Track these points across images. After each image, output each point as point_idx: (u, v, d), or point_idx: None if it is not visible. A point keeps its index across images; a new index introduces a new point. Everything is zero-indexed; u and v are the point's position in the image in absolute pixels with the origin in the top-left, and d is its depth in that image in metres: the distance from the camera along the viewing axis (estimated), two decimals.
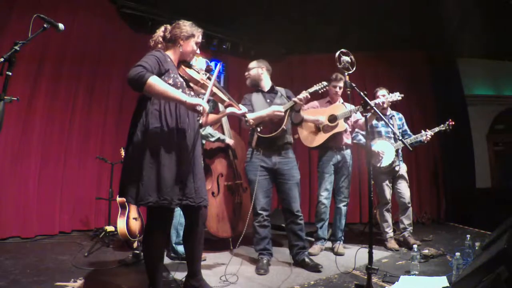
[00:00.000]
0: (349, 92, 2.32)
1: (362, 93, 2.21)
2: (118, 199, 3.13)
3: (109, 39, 4.17)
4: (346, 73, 2.29)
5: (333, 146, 3.20)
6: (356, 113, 3.18)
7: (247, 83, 2.96)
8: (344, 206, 3.26)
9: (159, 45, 1.95)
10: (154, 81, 1.64)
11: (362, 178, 5.02)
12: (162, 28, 1.97)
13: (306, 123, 3.18)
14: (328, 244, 3.40)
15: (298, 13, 4.64)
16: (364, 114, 2.27)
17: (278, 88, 2.90)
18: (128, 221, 3.06)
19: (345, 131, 3.23)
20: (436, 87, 5.38)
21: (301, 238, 2.73)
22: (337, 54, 2.31)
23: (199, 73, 1.98)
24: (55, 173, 3.69)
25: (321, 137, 3.16)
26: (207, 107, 1.70)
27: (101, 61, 4.12)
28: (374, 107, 2.26)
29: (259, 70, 2.89)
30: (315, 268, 2.56)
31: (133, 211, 3.15)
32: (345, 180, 3.25)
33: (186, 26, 1.92)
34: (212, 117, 2.21)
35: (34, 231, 3.44)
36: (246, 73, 2.95)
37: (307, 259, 2.64)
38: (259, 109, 2.71)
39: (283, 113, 2.62)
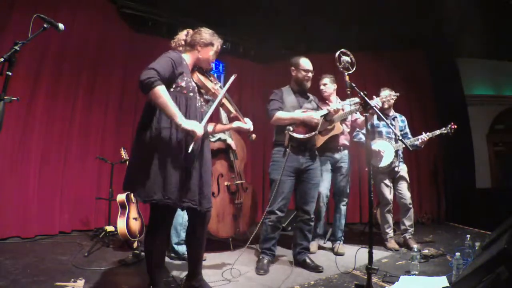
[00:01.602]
0: (349, 92, 2.32)
1: (362, 93, 2.21)
2: (118, 199, 3.13)
3: (109, 39, 4.17)
4: (346, 73, 2.29)
5: (331, 148, 3.23)
6: (352, 114, 3.17)
7: (308, 85, 2.83)
8: (343, 205, 3.29)
9: (180, 48, 1.98)
10: (159, 91, 1.65)
11: (362, 178, 5.04)
12: (185, 32, 2.01)
13: None
14: (328, 244, 3.41)
15: (298, 13, 4.64)
16: (364, 114, 2.27)
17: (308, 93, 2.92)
18: (128, 221, 3.06)
19: (342, 132, 3.26)
20: (436, 87, 5.38)
21: (307, 239, 2.75)
22: (337, 54, 2.31)
23: (211, 81, 2.00)
24: (55, 173, 3.68)
25: (319, 140, 3.16)
26: (201, 133, 1.71)
27: (101, 61, 4.12)
28: (374, 107, 2.26)
29: None
30: (316, 269, 2.56)
31: (133, 211, 3.15)
32: (343, 180, 3.28)
33: (207, 34, 1.96)
34: (218, 127, 2.27)
35: (34, 231, 3.44)
36: (311, 74, 2.81)
37: (308, 260, 2.65)
38: (290, 108, 2.72)
39: (319, 121, 2.64)
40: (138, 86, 1.70)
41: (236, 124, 2.13)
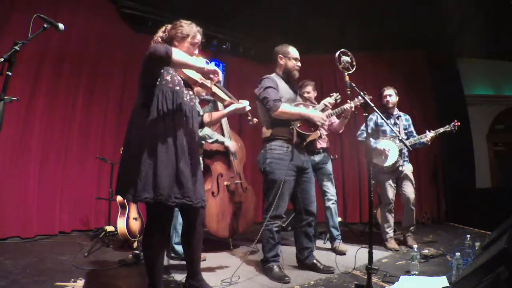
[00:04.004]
0: (349, 92, 2.32)
1: (362, 93, 2.21)
2: (118, 199, 3.13)
3: (109, 39, 4.17)
4: (346, 73, 2.29)
5: (310, 151, 3.23)
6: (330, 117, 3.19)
7: (297, 75, 2.65)
8: (332, 204, 3.31)
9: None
10: (178, 52, 1.70)
11: (362, 178, 5.04)
12: (163, 28, 1.95)
13: None
14: (328, 244, 3.42)
15: (298, 13, 4.64)
16: (364, 113, 2.27)
17: None
18: (128, 221, 3.06)
19: (320, 137, 3.29)
20: (436, 87, 5.38)
21: (312, 240, 2.69)
22: (337, 54, 2.31)
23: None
24: (55, 173, 3.69)
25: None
26: (221, 75, 1.83)
27: (101, 61, 4.12)
28: (374, 107, 2.26)
29: None
30: (327, 271, 2.50)
31: (133, 211, 3.15)
32: (327, 180, 3.33)
33: (183, 27, 1.89)
34: (216, 115, 2.19)
35: (34, 231, 3.44)
36: (300, 64, 2.64)
37: (318, 263, 2.57)
38: (287, 99, 2.52)
39: (325, 121, 2.55)
40: (153, 60, 1.69)
41: (231, 107, 2.05)
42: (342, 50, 2.33)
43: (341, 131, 3.42)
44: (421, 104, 5.35)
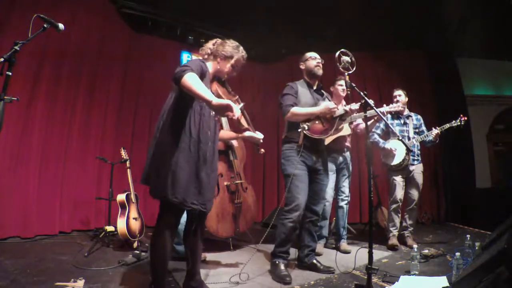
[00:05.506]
0: (349, 92, 2.33)
1: (362, 93, 2.21)
2: (118, 199, 3.13)
3: (109, 39, 4.17)
4: (346, 73, 2.29)
5: (336, 149, 3.24)
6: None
7: (320, 72, 2.70)
8: (346, 204, 3.34)
9: (205, 56, 2.01)
10: (188, 77, 1.63)
11: (362, 178, 5.04)
12: (213, 41, 2.04)
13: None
14: (330, 243, 3.42)
15: (298, 13, 4.64)
16: (365, 114, 2.28)
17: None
18: (128, 221, 3.06)
19: (348, 134, 3.30)
20: (436, 87, 5.38)
21: (315, 240, 2.71)
22: (337, 54, 2.31)
23: (229, 93, 2.01)
24: (55, 173, 3.68)
25: (327, 139, 3.16)
26: (238, 112, 1.57)
27: (101, 61, 4.12)
28: (374, 107, 2.27)
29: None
30: (327, 271, 2.52)
31: (133, 211, 3.15)
32: (346, 180, 3.34)
33: (229, 47, 1.98)
34: (231, 134, 2.26)
35: (34, 231, 3.44)
36: (321, 60, 2.73)
37: (318, 263, 2.59)
38: (304, 104, 2.61)
39: (336, 109, 2.55)
40: (172, 81, 1.71)
41: (248, 133, 2.13)
42: (342, 50, 2.34)
43: (378, 129, 3.53)
44: (421, 104, 5.33)
